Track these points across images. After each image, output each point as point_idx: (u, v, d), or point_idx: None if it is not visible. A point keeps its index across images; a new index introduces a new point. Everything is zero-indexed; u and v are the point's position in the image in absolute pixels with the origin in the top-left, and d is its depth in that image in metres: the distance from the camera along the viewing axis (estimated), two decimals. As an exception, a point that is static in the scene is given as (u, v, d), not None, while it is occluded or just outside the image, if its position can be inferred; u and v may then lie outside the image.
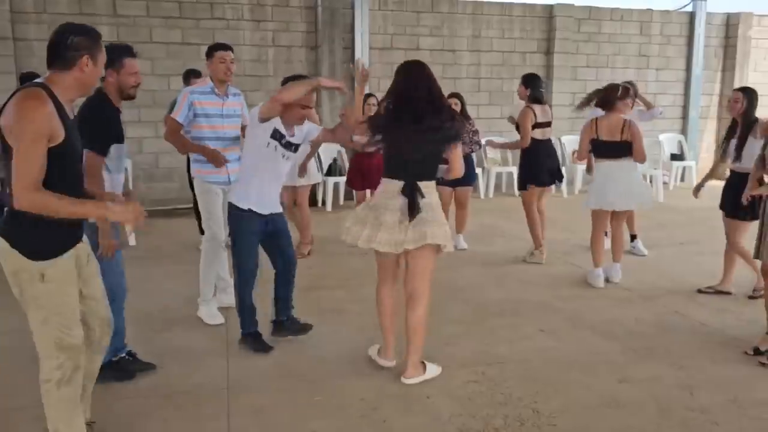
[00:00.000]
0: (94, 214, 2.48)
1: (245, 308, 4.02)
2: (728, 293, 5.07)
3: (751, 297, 4.97)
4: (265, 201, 3.92)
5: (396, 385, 3.54)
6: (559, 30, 10.38)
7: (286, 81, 4.00)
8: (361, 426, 3.13)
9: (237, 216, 3.91)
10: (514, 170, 9.63)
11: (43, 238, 2.46)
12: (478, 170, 9.74)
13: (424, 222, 3.41)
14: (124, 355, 3.61)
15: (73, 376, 2.61)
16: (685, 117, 11.42)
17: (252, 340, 4.03)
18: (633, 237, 6.37)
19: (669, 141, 10.93)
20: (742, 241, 4.92)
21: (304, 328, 4.20)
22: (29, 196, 2.31)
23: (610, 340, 4.24)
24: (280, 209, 4.07)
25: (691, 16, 11.20)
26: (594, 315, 4.69)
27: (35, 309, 2.51)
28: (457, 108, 6.46)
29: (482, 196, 9.81)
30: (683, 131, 11.37)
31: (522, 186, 6.25)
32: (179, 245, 6.67)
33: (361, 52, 9.37)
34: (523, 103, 6.13)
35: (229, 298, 4.77)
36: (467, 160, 6.59)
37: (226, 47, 4.49)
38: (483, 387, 3.53)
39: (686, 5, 11.41)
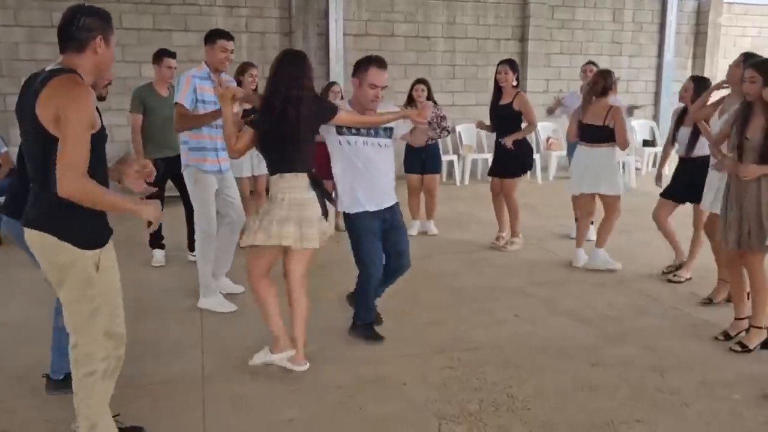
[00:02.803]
0: (130, 208, 2.41)
1: (366, 303, 3.93)
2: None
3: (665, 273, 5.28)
4: (374, 195, 3.72)
5: (373, 372, 3.55)
6: (533, 17, 10.41)
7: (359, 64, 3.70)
8: (338, 414, 3.14)
9: (352, 220, 3.75)
10: (490, 157, 9.68)
11: (93, 227, 2.43)
12: (453, 157, 9.80)
13: None
14: None
15: (116, 368, 2.63)
16: (657, 103, 11.55)
17: (365, 329, 3.98)
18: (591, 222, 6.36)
19: (641, 127, 11.06)
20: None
21: (378, 320, 4.15)
22: (79, 182, 2.23)
23: (583, 324, 4.30)
24: (393, 201, 3.82)
25: (663, 3, 11.29)
26: (568, 300, 4.75)
27: (84, 301, 2.45)
28: (423, 94, 6.37)
29: (458, 183, 9.84)
30: (655, 117, 11.50)
31: (517, 173, 6.11)
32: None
33: (336, 39, 9.32)
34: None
35: (218, 284, 4.77)
36: (432, 147, 6.55)
37: (229, 36, 4.36)
38: (458, 372, 3.56)
39: (658, -8, 11.52)
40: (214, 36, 4.35)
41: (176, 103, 4.31)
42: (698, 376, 3.54)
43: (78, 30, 2.37)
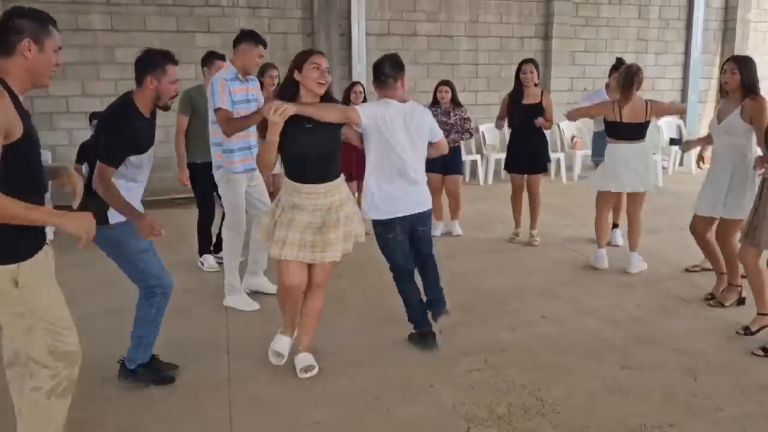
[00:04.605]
0: (48, 221, 2.24)
1: (409, 306, 3.89)
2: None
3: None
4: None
5: (399, 374, 3.51)
6: (557, 14, 10.29)
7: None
8: (365, 416, 3.11)
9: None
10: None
11: (9, 239, 2.20)
12: (477, 157, 9.74)
13: None
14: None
15: (68, 389, 2.43)
16: (683, 101, 11.35)
17: (418, 338, 3.88)
18: (614, 226, 6.28)
19: (668, 125, 10.88)
20: None
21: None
22: None
23: (612, 325, 4.22)
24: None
25: (690, -1, 11.12)
26: (595, 301, 4.67)
27: (15, 318, 2.28)
28: (448, 96, 6.38)
29: (481, 182, 9.76)
30: (682, 116, 11.29)
31: (544, 168, 6.25)
32: (177, 236, 6.61)
33: (358, 39, 9.29)
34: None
35: (256, 282, 4.82)
36: (454, 149, 6.50)
37: (265, 43, 4.39)
38: (486, 375, 3.52)
39: (685, -12, 11.34)
40: (249, 39, 4.34)
41: (219, 108, 4.29)
42: (732, 379, 3.46)
43: (8, 32, 2.24)
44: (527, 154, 6.14)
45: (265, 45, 4.38)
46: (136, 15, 8.39)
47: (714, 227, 4.64)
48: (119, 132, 3.12)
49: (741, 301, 4.56)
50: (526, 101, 6.05)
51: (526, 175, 6.25)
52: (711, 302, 4.60)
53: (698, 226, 4.70)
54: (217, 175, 4.55)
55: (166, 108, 3.30)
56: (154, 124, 3.35)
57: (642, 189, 5.30)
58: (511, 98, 6.21)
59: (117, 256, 3.27)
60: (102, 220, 3.07)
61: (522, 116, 6.07)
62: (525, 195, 6.35)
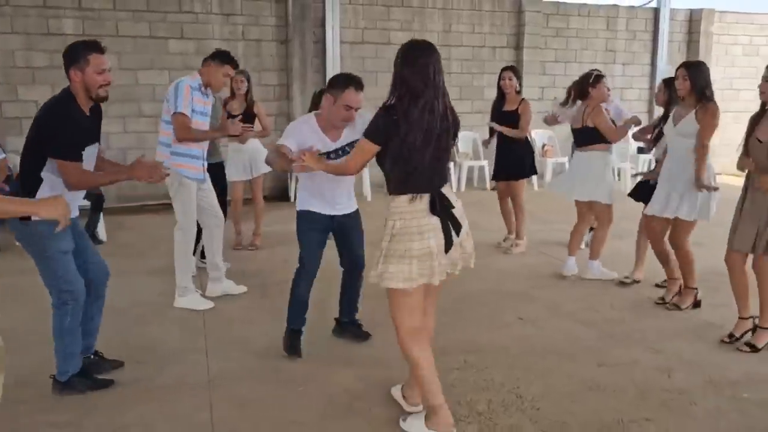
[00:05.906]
0: (22, 211, 2.28)
1: (296, 302, 3.80)
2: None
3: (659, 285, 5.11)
4: (326, 203, 3.70)
5: (380, 374, 3.52)
6: (528, 25, 10.48)
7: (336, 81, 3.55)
8: (347, 416, 3.12)
9: (299, 216, 3.75)
10: (486, 164, 9.72)
11: None
12: (450, 164, 9.82)
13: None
14: (91, 355, 3.50)
15: None
16: (650, 111, 11.61)
17: (288, 336, 3.80)
18: (592, 228, 6.33)
19: (635, 134, 11.12)
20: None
21: (364, 335, 4.03)
22: None
23: (587, 326, 4.30)
24: (348, 210, 3.81)
25: (656, 12, 11.42)
26: (571, 303, 4.75)
27: None
28: None
29: (454, 189, 9.83)
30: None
31: (523, 174, 6.25)
32: (150, 241, 6.56)
33: (332, 47, 9.33)
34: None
35: (221, 288, 4.82)
36: None
37: (236, 65, 4.58)
38: (465, 374, 3.55)
39: (650, 1, 11.66)
40: (222, 59, 4.46)
41: (179, 113, 4.30)
42: (705, 376, 3.54)
43: None
44: (507, 161, 6.20)
45: (235, 66, 4.55)
46: (108, 20, 8.30)
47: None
48: (67, 120, 3.05)
49: (697, 304, 4.63)
50: (504, 108, 6.12)
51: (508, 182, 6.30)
52: (668, 306, 4.65)
53: (655, 228, 4.69)
54: (170, 177, 4.39)
55: (101, 100, 3.21)
56: (95, 122, 3.29)
57: (594, 198, 5.28)
58: (494, 106, 6.28)
59: (37, 255, 3.15)
60: (25, 217, 2.98)
61: (499, 123, 6.12)
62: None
